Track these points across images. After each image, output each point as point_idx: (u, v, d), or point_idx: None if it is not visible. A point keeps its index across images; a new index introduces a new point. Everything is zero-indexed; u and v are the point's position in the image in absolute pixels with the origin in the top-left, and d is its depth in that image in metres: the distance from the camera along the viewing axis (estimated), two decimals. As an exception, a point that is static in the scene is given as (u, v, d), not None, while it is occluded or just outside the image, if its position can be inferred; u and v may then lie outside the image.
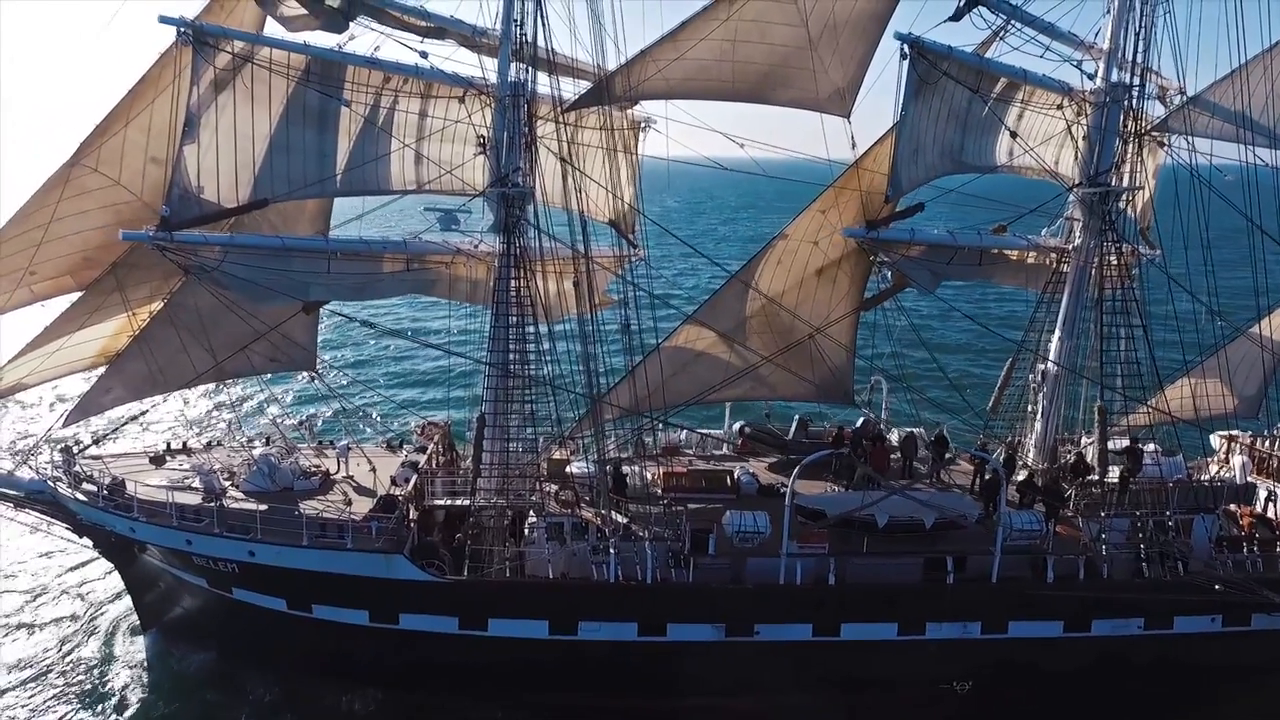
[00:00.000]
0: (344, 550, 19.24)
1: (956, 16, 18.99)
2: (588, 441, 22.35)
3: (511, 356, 20.26)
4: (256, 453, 22.82)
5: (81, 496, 20.62)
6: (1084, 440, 24.61)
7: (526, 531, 20.59)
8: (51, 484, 21.01)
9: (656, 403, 22.93)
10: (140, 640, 22.69)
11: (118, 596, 24.54)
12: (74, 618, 24.04)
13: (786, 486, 23.13)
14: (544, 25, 19.78)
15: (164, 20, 17.01)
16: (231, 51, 17.22)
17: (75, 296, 23.40)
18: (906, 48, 19.19)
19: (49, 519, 22.41)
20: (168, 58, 20.12)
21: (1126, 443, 23.06)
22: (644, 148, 25.32)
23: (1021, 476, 22.98)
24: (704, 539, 19.94)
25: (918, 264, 21.03)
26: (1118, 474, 21.79)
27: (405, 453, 24.69)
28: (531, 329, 20.68)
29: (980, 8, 18.94)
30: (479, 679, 20.16)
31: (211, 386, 25.38)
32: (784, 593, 19.69)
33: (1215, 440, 26.84)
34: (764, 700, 20.06)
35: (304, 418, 25.20)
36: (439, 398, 33.25)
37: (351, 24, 18.29)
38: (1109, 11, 21.16)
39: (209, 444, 24.55)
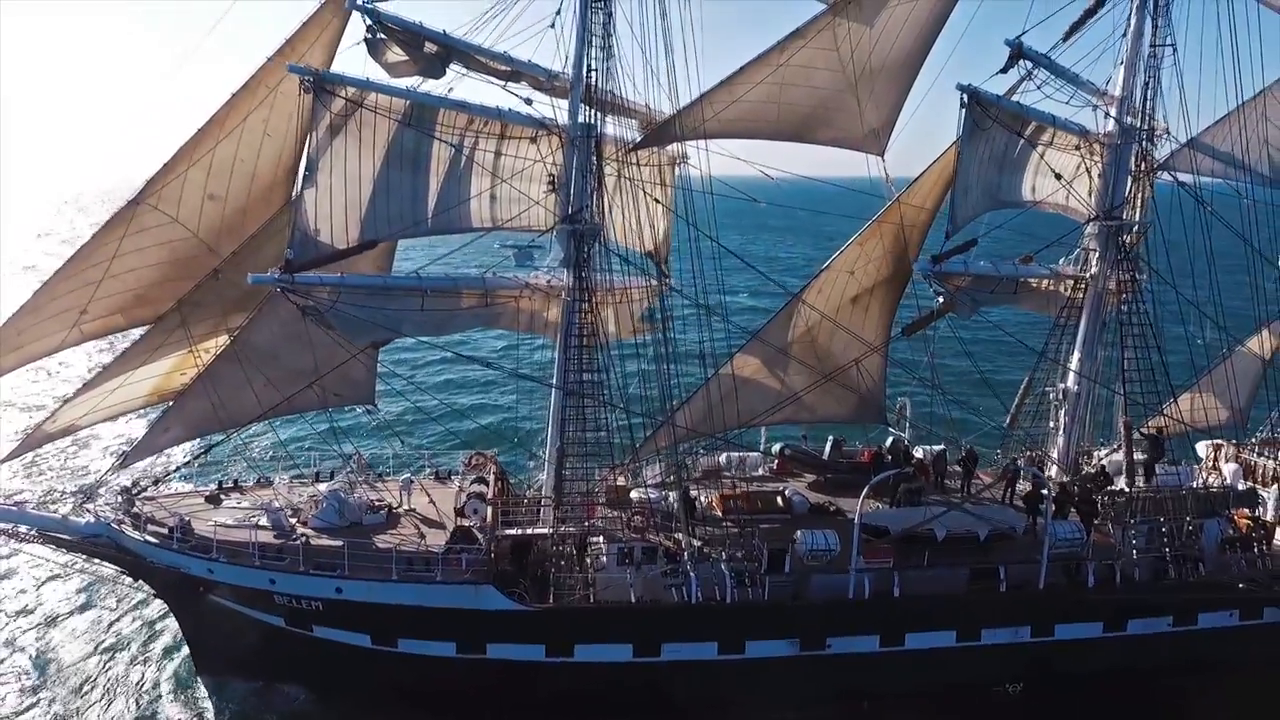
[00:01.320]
0: (433, 583, 19.48)
1: (1005, 69, 20.80)
2: (650, 467, 23.13)
3: (586, 386, 20.89)
4: (322, 488, 22.76)
5: (151, 539, 20.30)
6: (1102, 452, 26.59)
7: (593, 557, 21.17)
8: (116, 526, 20.63)
9: (709, 427, 24.00)
10: (199, 682, 22.26)
11: (158, 635, 24.10)
12: (125, 660, 23.40)
13: (833, 505, 24.52)
14: (611, 70, 20.70)
15: (293, 69, 17.30)
16: (345, 97, 17.57)
17: (117, 334, 23.47)
18: (965, 97, 20.80)
19: (102, 562, 22.03)
20: (238, 99, 20.46)
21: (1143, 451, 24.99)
22: (680, 180, 26.37)
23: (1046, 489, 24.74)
24: (780, 558, 20.86)
25: (965, 294, 22.64)
26: (1142, 462, 23.63)
27: (457, 484, 24.89)
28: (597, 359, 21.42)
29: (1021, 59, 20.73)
30: (565, 705, 20.55)
31: (255, 425, 25.15)
32: (854, 606, 20.76)
33: (1202, 449, 29.22)
34: (837, 711, 21.02)
35: (353, 452, 25.16)
36: (476, 427, 33.65)
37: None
38: (1120, 63, 23.24)
39: (258, 481, 24.31)
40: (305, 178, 18.15)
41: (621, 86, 20.83)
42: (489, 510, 22.00)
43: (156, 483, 22.51)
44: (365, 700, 20.87)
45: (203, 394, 21.66)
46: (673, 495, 22.87)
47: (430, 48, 18.06)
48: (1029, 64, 21.14)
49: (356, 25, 19.62)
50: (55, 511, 21.55)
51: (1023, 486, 24.80)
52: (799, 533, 21.30)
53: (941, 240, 23.02)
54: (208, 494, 23.04)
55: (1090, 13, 22.71)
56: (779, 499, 24.35)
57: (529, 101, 20.09)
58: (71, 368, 43.99)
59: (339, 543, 20.17)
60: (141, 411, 23.85)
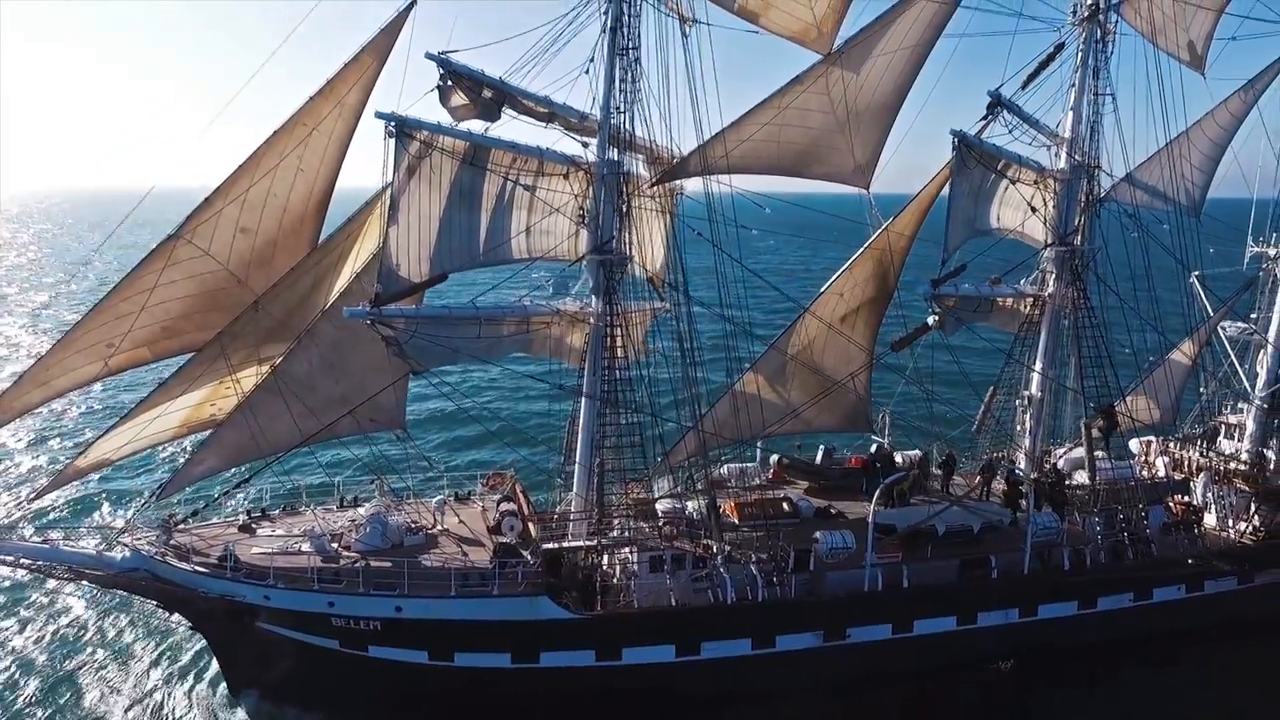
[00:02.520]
0: (491, 597, 20.43)
1: (986, 120, 23.78)
2: (659, 481, 24.79)
3: (620, 406, 22.34)
4: (361, 512, 23.28)
5: (201, 569, 20.47)
6: (1059, 450, 29.81)
7: (623, 565, 22.55)
8: (159, 558, 20.69)
9: (722, 440, 25.84)
10: (239, 711, 22.36)
11: (187, 665, 24.04)
12: (155, 689, 23.24)
13: (834, 507, 26.69)
14: (636, 112, 22.41)
15: (379, 116, 18.24)
16: (420, 139, 18.60)
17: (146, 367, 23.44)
18: (956, 140, 23.53)
19: (136, 595, 21.99)
20: (277, 138, 21.19)
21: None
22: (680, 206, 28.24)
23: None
24: (805, 558, 22.77)
25: (953, 313, 25.29)
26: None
27: (479, 503, 25.78)
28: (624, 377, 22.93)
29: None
30: (611, 707, 21.76)
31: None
32: (869, 598, 22.87)
33: (1134, 445, 32.95)
34: (854, 694, 23.00)
35: (376, 476, 25.68)
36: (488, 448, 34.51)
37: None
38: (1069, 109, 26.57)
39: (285, 509, 24.55)
40: (389, 217, 19.04)
41: (644, 126, 22.49)
42: (523, 526, 23.07)
43: (195, 514, 22.51)
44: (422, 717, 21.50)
45: (241, 424, 21.98)
46: (690, 505, 24.54)
47: (487, 93, 19.34)
48: (1004, 111, 24.05)
49: (393, 68, 20.96)
50: (87, 547, 21.39)
51: (997, 484, 27.67)
52: (819, 533, 23.28)
53: (920, 263, 25.80)
54: (240, 524, 23.20)
55: (1044, 65, 25.93)
56: (784, 504, 26.33)
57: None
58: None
59: (387, 564, 20.86)
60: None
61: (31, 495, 22.64)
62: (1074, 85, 26.30)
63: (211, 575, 20.41)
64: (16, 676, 23.80)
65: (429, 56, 18.64)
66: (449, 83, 18.84)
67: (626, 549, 22.96)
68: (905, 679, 23.60)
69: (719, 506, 24.25)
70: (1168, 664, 25.61)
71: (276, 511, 24.43)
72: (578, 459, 23.85)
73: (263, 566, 20.31)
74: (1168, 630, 26.14)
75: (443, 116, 19.43)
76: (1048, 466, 28.90)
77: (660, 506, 24.73)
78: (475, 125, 20.22)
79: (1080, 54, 26.23)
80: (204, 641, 23.08)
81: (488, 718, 21.70)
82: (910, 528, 23.86)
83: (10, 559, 20.41)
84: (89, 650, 25.07)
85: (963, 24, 25.07)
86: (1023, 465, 28.52)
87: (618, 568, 22.91)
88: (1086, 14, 25.78)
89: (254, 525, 23.26)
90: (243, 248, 22.41)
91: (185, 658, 24.56)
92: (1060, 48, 25.89)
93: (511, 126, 21.93)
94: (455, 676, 20.96)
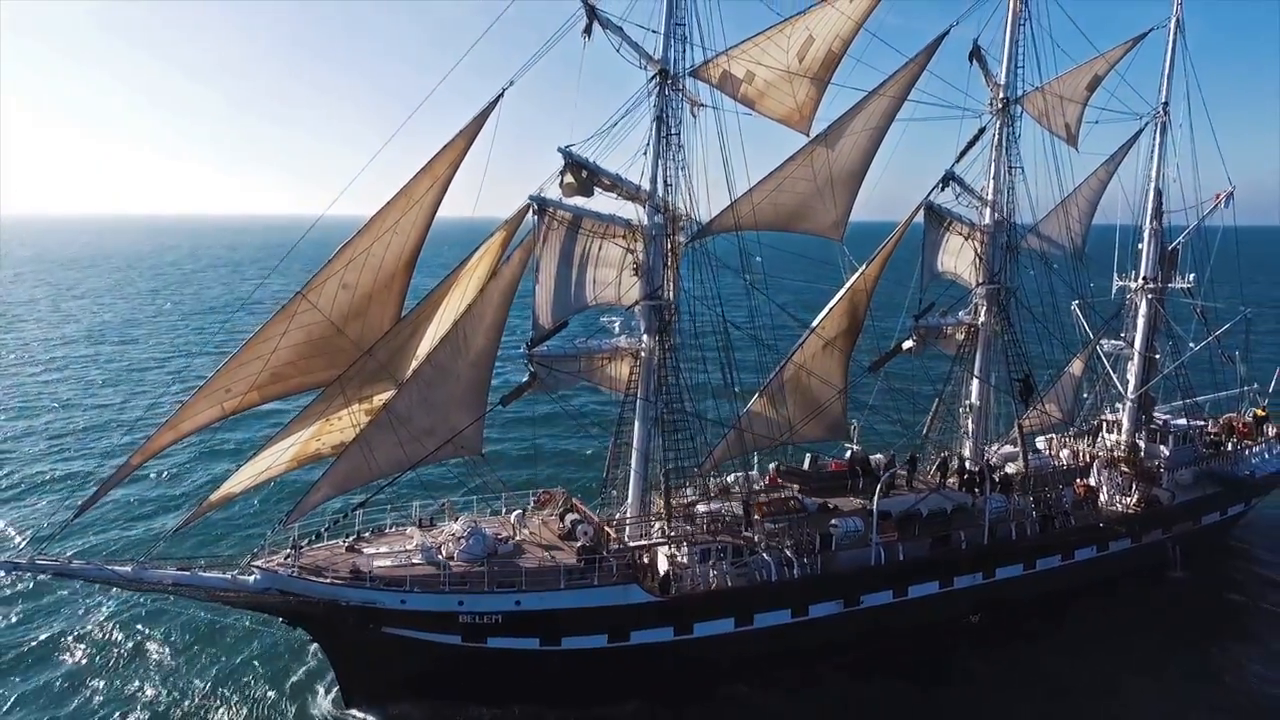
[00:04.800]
0: (592, 587, 24.55)
1: (941, 188, 30.58)
2: (719, 484, 29.89)
3: (678, 420, 27.21)
4: (456, 527, 26.66)
5: (338, 581, 23.47)
6: (993, 447, 36.92)
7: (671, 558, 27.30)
8: (296, 576, 23.51)
9: (741, 447, 31.14)
10: (353, 712, 25.17)
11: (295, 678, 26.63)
12: (273, 702, 25.67)
13: (831, 503, 32.38)
14: (680, 184, 27.62)
15: (531, 198, 22.44)
16: (549, 213, 22.94)
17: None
18: (926, 209, 30.14)
19: (265, 613, 24.65)
20: (389, 206, 24.96)
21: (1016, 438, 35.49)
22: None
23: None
24: (828, 541, 28.19)
25: (922, 339, 31.78)
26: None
27: (537, 517, 29.66)
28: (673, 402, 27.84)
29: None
30: (686, 673, 26.21)
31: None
32: (876, 571, 28.55)
33: (1040, 442, 40.80)
34: (868, 647, 28.48)
35: (444, 500, 29.12)
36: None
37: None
38: (990, 177, 33.98)
39: (374, 530, 27.56)
40: (535, 277, 23.26)
41: (684, 195, 27.69)
42: (593, 530, 27.30)
43: (317, 536, 25.33)
44: (534, 697, 25.15)
45: (355, 455, 25.11)
46: (721, 506, 29.57)
47: (584, 173, 23.99)
48: (954, 182, 31.04)
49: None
50: (223, 573, 23.89)
51: (951, 480, 34.29)
52: (835, 520, 28.81)
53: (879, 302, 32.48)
54: (347, 545, 26.14)
55: (971, 144, 33.21)
56: (793, 502, 31.73)
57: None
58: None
59: (488, 568, 24.61)
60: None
61: (174, 528, 24.80)
62: (993, 159, 33.77)
63: (350, 586, 23.46)
64: (135, 695, 25.88)
65: (560, 150, 23.23)
66: (565, 166, 23.41)
67: (681, 543, 27.66)
68: (904, 635, 29.32)
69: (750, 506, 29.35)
70: (1088, 609, 32.77)
71: (368, 534, 27.46)
72: (633, 472, 28.39)
73: (401, 575, 23.58)
74: (1086, 581, 33.32)
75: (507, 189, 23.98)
76: (988, 460, 35.89)
77: (699, 509, 29.57)
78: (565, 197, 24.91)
79: (995, 136, 33.76)
80: (295, 664, 25.83)
81: (585, 694, 25.56)
82: (902, 512, 29.83)
83: (160, 585, 22.74)
84: (205, 670, 27.48)
85: (909, 111, 32.02)
86: (969, 460, 35.35)
87: (665, 559, 27.50)
88: (1000, 106, 33.33)
89: (358, 546, 26.27)
90: (343, 301, 25.82)
91: (298, 674, 27.22)
92: (982, 131, 33.29)
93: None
94: (563, 658, 24.82)
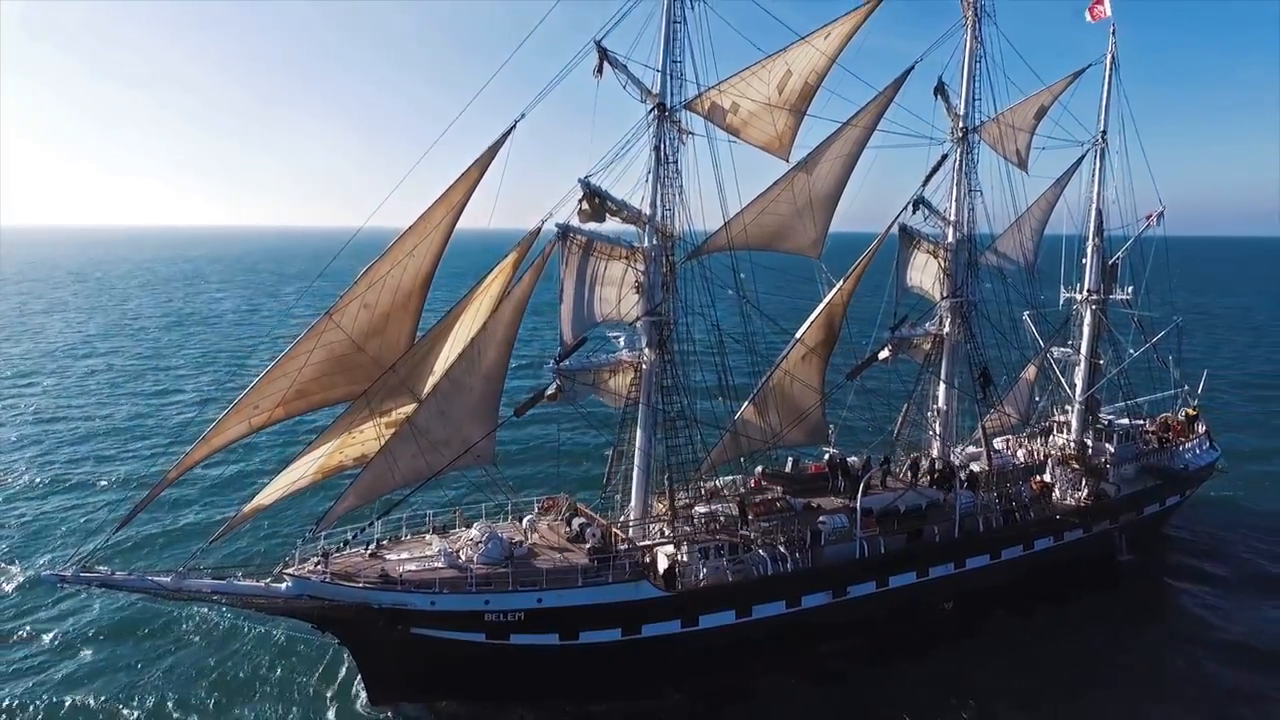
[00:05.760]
0: (608, 584, 26.37)
1: (913, 212, 33.41)
2: (709, 487, 31.88)
3: (679, 427, 29.27)
4: (474, 533, 28.17)
5: (369, 585, 24.85)
6: (959, 448, 39.86)
7: (671, 555, 29.32)
8: (328, 581, 24.81)
9: (735, 451, 33.34)
10: (379, 712, 26.48)
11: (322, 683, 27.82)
12: (301, 706, 26.76)
13: (815, 503, 34.80)
14: (676, 207, 29.79)
15: (558, 225, 24.28)
16: (569, 238, 24.84)
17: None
18: (899, 230, 32.88)
19: (296, 618, 25.87)
20: (410, 232, 26.56)
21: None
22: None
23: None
24: (818, 537, 30.52)
25: (896, 349, 34.51)
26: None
27: (544, 521, 31.34)
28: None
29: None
30: (693, 662, 28.17)
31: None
32: (860, 564, 30.98)
33: (999, 443, 44.01)
34: (855, 634, 30.85)
35: (455, 508, 30.61)
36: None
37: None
38: (953, 200, 37.02)
39: (392, 539, 28.91)
40: (560, 296, 25.05)
41: (683, 218, 29.87)
42: (600, 532, 29.11)
43: (345, 544, 26.61)
44: (554, 690, 26.79)
45: (379, 466, 26.53)
46: (718, 508, 31.69)
47: (597, 200, 25.99)
48: (923, 206, 33.92)
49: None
50: (258, 580, 25.04)
51: (923, 479, 37.04)
52: (823, 518, 31.17)
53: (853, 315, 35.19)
54: (370, 552, 27.46)
55: (935, 169, 36.18)
56: (780, 503, 34.03)
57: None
58: None
59: (507, 569, 26.28)
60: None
61: (210, 540, 25.82)
62: (955, 183, 36.81)
63: (380, 589, 24.86)
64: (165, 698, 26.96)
65: (580, 181, 25.22)
66: (583, 194, 25.39)
67: (681, 543, 29.67)
68: (885, 623, 31.79)
69: (746, 506, 31.54)
70: (1046, 596, 35.81)
71: (386, 541, 28.80)
72: (635, 475, 30.34)
73: (430, 578, 25.08)
74: (1045, 568, 36.35)
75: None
76: (954, 459, 38.80)
77: (697, 510, 31.63)
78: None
79: (956, 162, 36.81)
80: (316, 666, 27.14)
81: (600, 685, 27.31)
82: (883, 509, 32.38)
83: (199, 594, 23.85)
84: (226, 675, 28.55)
85: (882, 140, 34.94)
86: (938, 460, 38.19)
87: (665, 557, 29.49)
88: (960, 135, 36.39)
89: (380, 553, 27.62)
90: (364, 320, 27.29)
91: (321, 679, 28.41)
92: (945, 157, 36.29)
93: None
94: (580, 652, 26.55)
